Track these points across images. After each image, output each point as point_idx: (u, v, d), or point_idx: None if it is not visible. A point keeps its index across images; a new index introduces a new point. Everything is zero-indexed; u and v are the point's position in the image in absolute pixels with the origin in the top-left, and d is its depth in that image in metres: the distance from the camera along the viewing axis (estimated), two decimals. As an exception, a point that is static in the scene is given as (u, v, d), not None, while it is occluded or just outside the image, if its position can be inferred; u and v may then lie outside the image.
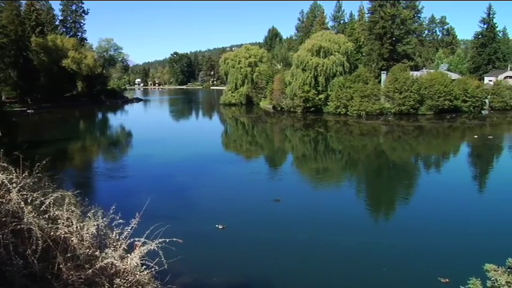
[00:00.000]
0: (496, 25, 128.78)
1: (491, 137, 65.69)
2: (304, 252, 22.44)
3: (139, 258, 7.72)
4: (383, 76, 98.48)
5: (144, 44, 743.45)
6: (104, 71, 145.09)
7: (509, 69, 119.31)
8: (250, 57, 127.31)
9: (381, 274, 19.95)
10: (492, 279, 8.06)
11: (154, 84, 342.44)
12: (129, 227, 8.20)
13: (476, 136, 66.51)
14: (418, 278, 19.55)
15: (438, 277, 18.71)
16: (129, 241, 8.07)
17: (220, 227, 24.89)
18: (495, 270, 8.10)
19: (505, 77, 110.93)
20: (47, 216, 7.28)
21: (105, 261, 7.11)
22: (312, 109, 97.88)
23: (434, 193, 35.26)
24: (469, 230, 25.61)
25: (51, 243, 6.70)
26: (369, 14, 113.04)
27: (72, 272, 6.67)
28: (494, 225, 26.83)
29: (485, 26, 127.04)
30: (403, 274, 19.98)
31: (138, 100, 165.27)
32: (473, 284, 8.30)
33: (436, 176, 43.70)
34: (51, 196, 7.68)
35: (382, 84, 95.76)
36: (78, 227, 7.48)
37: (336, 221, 27.55)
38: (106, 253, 7.45)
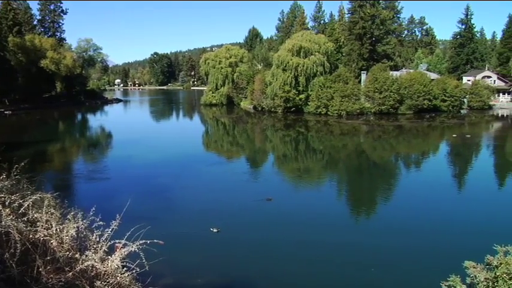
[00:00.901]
0: (474, 26, 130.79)
1: (469, 135, 66.60)
2: (289, 252, 22.40)
3: (120, 260, 7.67)
4: (363, 76, 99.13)
5: (124, 44, 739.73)
6: (83, 72, 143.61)
7: (486, 69, 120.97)
8: (230, 57, 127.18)
9: (369, 274, 20.01)
10: (471, 275, 8.16)
11: (134, 85, 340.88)
12: (110, 229, 8.14)
13: (455, 135, 67.27)
14: (402, 277, 19.65)
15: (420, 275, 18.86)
16: (109, 243, 8.01)
17: (214, 230, 24.37)
18: (474, 267, 8.19)
19: (483, 77, 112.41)
20: (25, 219, 7.18)
21: (86, 264, 7.05)
22: (292, 109, 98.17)
23: (414, 192, 35.55)
24: (449, 228, 25.80)
25: (30, 247, 6.62)
26: (348, 15, 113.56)
27: (51, 275, 6.59)
28: (473, 223, 27.12)
29: (463, 27, 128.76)
30: (387, 273, 20.07)
31: (118, 101, 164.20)
32: (453, 281, 8.38)
33: (416, 175, 44.04)
34: (30, 198, 7.58)
35: (362, 84, 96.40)
36: (58, 230, 7.40)
37: (320, 221, 27.56)
38: (86, 255, 7.39)
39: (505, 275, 7.22)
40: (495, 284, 7.38)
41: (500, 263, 7.63)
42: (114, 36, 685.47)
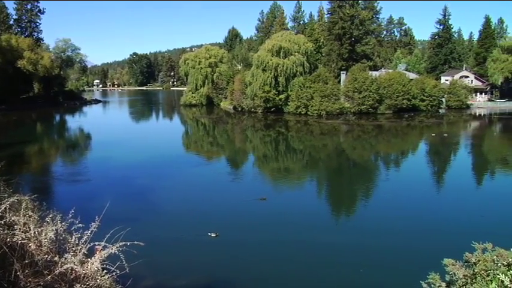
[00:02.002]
0: (452, 26, 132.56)
1: (446, 134, 67.45)
2: (273, 253, 22.42)
3: (100, 262, 7.60)
4: (342, 76, 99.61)
5: (103, 45, 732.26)
6: (62, 72, 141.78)
7: (464, 69, 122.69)
8: (210, 57, 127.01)
9: (348, 273, 20.07)
10: (450, 273, 8.23)
11: (113, 85, 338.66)
12: (89, 231, 8.06)
13: (433, 134, 67.90)
14: (382, 276, 19.73)
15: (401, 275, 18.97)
16: (89, 245, 7.92)
17: (212, 235, 23.85)
18: (453, 265, 8.25)
19: (461, 77, 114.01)
20: (2, 222, 7.07)
21: (65, 267, 6.96)
22: (272, 109, 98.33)
23: (394, 192, 35.78)
24: (428, 227, 25.98)
25: (7, 250, 6.50)
26: (328, 15, 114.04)
27: (30, 279, 6.49)
28: (452, 221, 27.35)
29: (441, 27, 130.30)
30: (367, 273, 20.14)
31: (97, 101, 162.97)
32: (433, 279, 8.45)
33: (395, 175, 44.38)
34: (7, 201, 7.45)
35: (341, 84, 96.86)
36: (36, 233, 7.29)
37: (300, 221, 27.56)
38: (65, 258, 7.30)
39: (483, 272, 7.29)
40: (473, 280, 7.44)
41: (479, 260, 7.70)
42: (92, 36, 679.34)
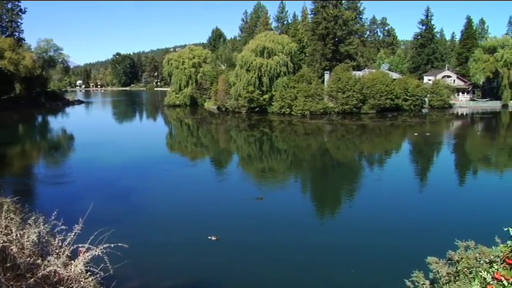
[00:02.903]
0: (434, 26, 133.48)
1: (429, 134, 68.12)
2: (261, 253, 22.42)
3: (84, 264, 7.54)
4: (326, 76, 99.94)
5: (86, 45, 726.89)
6: (44, 73, 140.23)
7: (446, 68, 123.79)
8: (194, 57, 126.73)
9: (331, 274, 20.12)
10: (434, 271, 8.32)
11: (96, 86, 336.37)
12: (73, 233, 8.00)
13: (416, 134, 68.45)
14: (367, 275, 19.81)
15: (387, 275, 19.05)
16: (72, 247, 7.87)
17: (213, 238, 23.43)
18: (436, 263, 8.34)
19: (443, 76, 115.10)
20: (-16, 225, 6.97)
21: (48, 270, 6.90)
22: (256, 109, 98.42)
23: (377, 191, 35.99)
24: (412, 226, 26.19)
25: (-12, 253, 6.42)
26: (312, 15, 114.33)
27: (12, 283, 6.42)
28: (436, 219, 27.53)
29: (423, 27, 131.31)
30: (350, 273, 20.22)
31: (79, 102, 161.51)
32: (417, 277, 8.53)
33: (379, 174, 44.60)
34: (-12, 204, 7.36)
35: (325, 84, 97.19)
36: (18, 235, 7.22)
37: (283, 222, 27.62)
38: (48, 261, 7.23)
39: (465, 269, 7.36)
40: (456, 278, 7.52)
41: (461, 258, 7.78)
42: (75, 36, 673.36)
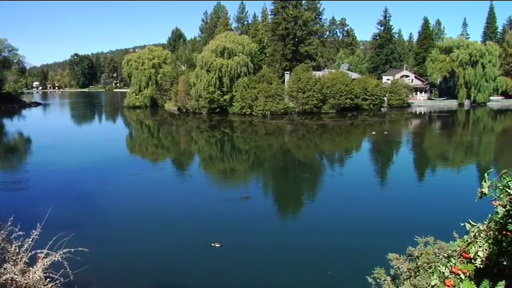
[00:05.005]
0: (392, 27, 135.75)
1: (386, 132, 69.35)
2: (220, 256, 22.33)
3: (43, 271, 7.37)
4: (286, 76, 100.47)
5: (42, 45, 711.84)
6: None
7: (404, 68, 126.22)
8: (154, 58, 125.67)
9: (293, 272, 20.19)
10: (395, 267, 8.40)
11: (54, 88, 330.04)
12: (30, 239, 7.81)
13: (374, 132, 69.48)
14: (329, 275, 19.95)
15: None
16: (30, 254, 7.68)
17: (217, 245, 22.81)
18: (397, 259, 8.43)
19: (401, 76, 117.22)
20: None
21: (4, 277, 6.71)
22: (217, 110, 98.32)
23: (338, 190, 36.42)
24: (372, 224, 26.54)
25: None
26: (271, 16, 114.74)
27: (-36, 291, 6.20)
28: (396, 216, 28.03)
29: (382, 28, 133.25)
30: (312, 272, 20.33)
31: (36, 104, 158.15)
32: (378, 273, 8.58)
33: (339, 173, 45.20)
34: None
35: (285, 84, 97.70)
36: (-30, 242, 6.98)
37: (243, 223, 27.66)
38: (5, 268, 7.03)
39: (425, 265, 7.46)
40: (417, 273, 7.61)
41: (421, 253, 7.89)
42: (31, 36, 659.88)
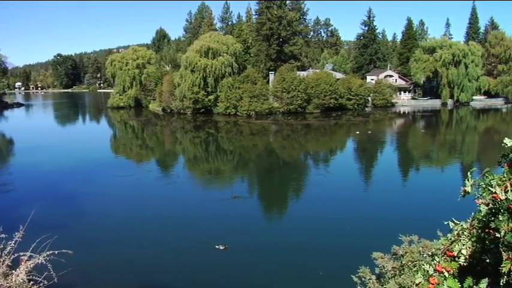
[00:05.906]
0: (376, 27, 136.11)
1: (370, 132, 69.72)
2: (203, 259, 22.31)
3: (26, 274, 7.29)
4: (271, 76, 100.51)
5: (25, 45, 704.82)
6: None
7: (388, 68, 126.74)
8: (138, 58, 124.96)
9: (279, 272, 20.21)
10: (380, 266, 8.45)
11: (36, 88, 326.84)
12: (13, 241, 7.71)
13: (358, 132, 69.86)
14: (314, 274, 19.98)
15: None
16: (13, 256, 7.59)
17: (221, 247, 22.72)
18: (382, 258, 8.50)
19: (385, 76, 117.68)
20: None
21: (-14, 281, 6.62)
22: (202, 110, 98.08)
23: (323, 190, 36.41)
24: (357, 223, 26.65)
25: None
26: (256, 16, 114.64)
27: None
28: (381, 216, 28.15)
29: (366, 28, 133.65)
30: (297, 271, 20.37)
31: (19, 105, 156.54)
32: (363, 272, 8.66)
33: (325, 173, 45.25)
34: None
35: (270, 84, 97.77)
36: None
37: (228, 224, 27.63)
38: (-14, 272, 6.94)
39: (409, 263, 7.52)
40: (401, 272, 7.66)
41: (406, 252, 7.95)
42: (13, 36, 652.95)
